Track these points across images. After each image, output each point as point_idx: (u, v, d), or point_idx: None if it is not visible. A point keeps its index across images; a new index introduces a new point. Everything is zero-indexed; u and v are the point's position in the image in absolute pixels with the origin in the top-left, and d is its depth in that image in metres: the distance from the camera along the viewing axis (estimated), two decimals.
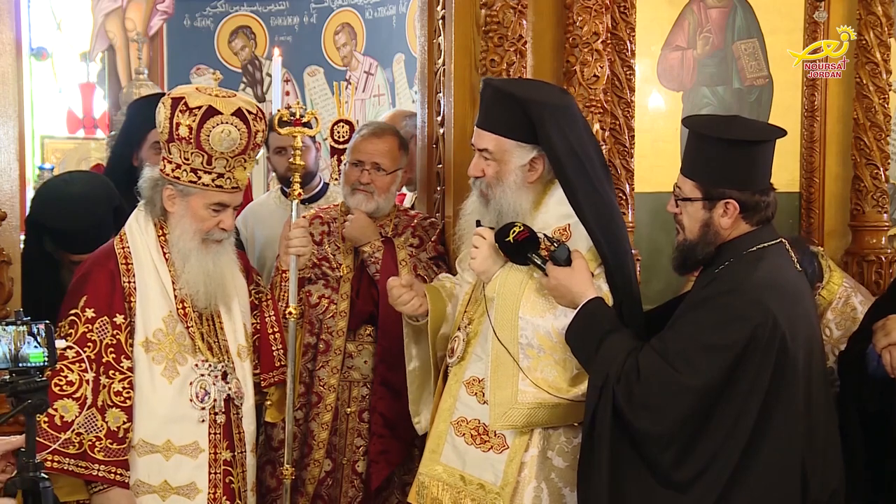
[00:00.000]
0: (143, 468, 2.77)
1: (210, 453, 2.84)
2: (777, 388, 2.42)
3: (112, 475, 2.69)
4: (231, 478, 2.89)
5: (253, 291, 3.10)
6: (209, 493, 2.83)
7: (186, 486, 2.81)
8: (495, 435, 2.75)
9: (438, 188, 3.75)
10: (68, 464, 2.64)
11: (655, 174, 3.63)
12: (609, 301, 2.70)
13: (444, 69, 3.63)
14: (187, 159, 2.76)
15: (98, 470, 2.67)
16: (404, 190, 4.40)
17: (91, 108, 9.16)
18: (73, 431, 2.64)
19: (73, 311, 2.73)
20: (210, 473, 2.84)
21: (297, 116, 3.15)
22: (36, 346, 2.10)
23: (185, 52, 8.97)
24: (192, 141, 2.72)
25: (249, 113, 2.77)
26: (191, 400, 2.80)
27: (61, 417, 2.64)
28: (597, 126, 3.48)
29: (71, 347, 2.67)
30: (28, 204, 3.71)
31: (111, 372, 2.72)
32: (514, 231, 2.67)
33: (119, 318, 2.75)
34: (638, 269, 3.45)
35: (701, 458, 2.45)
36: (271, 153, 4.38)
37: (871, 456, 2.88)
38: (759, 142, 2.59)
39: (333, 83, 8.51)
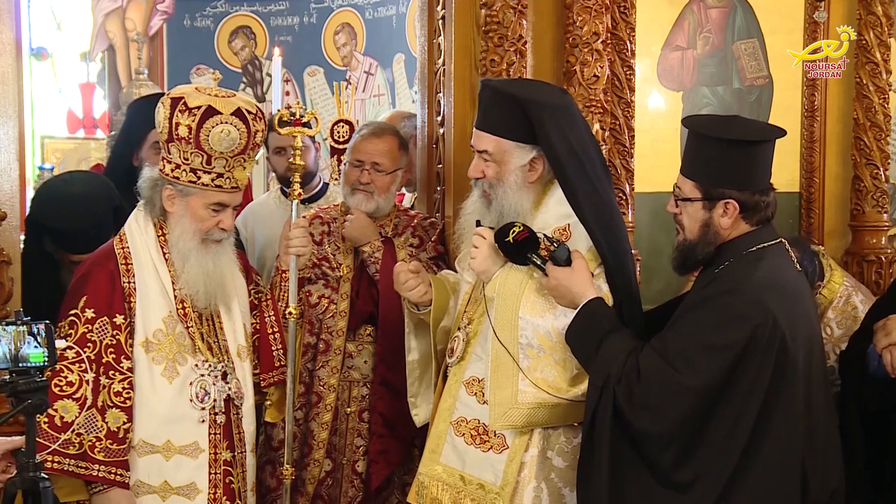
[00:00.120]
0: (143, 468, 2.77)
1: (210, 453, 2.84)
2: (777, 388, 2.42)
3: (112, 475, 2.69)
4: (231, 478, 2.89)
5: (252, 291, 3.10)
6: (209, 493, 2.83)
7: (186, 487, 2.81)
8: (495, 435, 2.75)
9: (438, 188, 3.75)
10: (68, 464, 2.64)
11: (655, 174, 3.63)
12: (609, 301, 2.70)
13: (444, 69, 3.63)
14: (187, 159, 2.76)
15: (98, 470, 2.67)
16: (403, 190, 4.39)
17: (91, 108, 9.16)
18: (72, 432, 2.64)
19: (72, 312, 2.73)
20: (210, 473, 2.84)
21: (297, 116, 3.14)
22: (36, 346, 2.10)
23: (185, 52, 8.97)
24: (191, 141, 2.72)
25: (249, 113, 2.77)
26: (191, 400, 2.80)
27: (61, 418, 2.64)
28: (597, 126, 3.48)
29: (71, 348, 2.67)
30: (28, 204, 3.71)
31: (111, 372, 2.72)
32: (514, 231, 2.67)
33: (119, 319, 2.75)
34: (638, 269, 3.45)
35: (701, 458, 2.45)
36: (271, 153, 4.38)
37: (872, 456, 2.88)
38: (759, 142, 2.58)
39: (333, 83, 8.51)
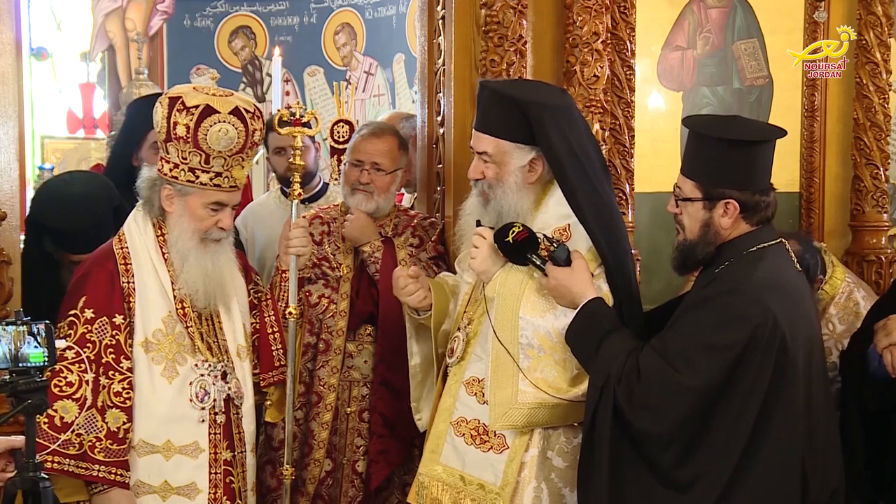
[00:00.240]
0: (143, 468, 2.77)
1: (210, 453, 2.84)
2: (777, 388, 2.42)
3: (112, 476, 2.69)
4: (231, 478, 2.89)
5: (252, 291, 3.10)
6: (209, 493, 2.83)
7: (187, 487, 2.81)
8: (495, 435, 2.74)
9: (438, 188, 3.75)
10: (68, 464, 2.64)
11: (655, 174, 3.63)
12: (609, 301, 2.70)
13: (444, 69, 3.63)
14: (185, 158, 2.76)
15: (98, 471, 2.67)
16: (402, 191, 4.39)
17: (91, 108, 9.17)
18: (72, 432, 2.64)
19: (72, 312, 2.73)
20: (210, 473, 2.84)
21: (297, 116, 3.14)
22: (36, 346, 2.10)
23: (185, 52, 8.97)
24: (189, 140, 2.72)
25: (247, 111, 2.76)
26: (190, 400, 2.80)
27: (61, 418, 2.64)
28: (597, 126, 3.48)
29: (70, 348, 2.67)
30: (28, 204, 3.71)
31: (111, 372, 2.72)
32: (514, 231, 2.67)
33: (118, 319, 2.75)
34: (638, 269, 3.45)
35: (701, 458, 2.45)
36: (271, 153, 4.38)
37: (872, 456, 2.88)
38: (759, 142, 2.58)
39: (333, 83, 8.52)
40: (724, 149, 2.54)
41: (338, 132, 4.62)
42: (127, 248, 2.83)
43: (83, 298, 2.74)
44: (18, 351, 2.09)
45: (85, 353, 2.69)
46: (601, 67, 3.49)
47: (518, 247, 2.67)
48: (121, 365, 2.73)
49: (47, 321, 2.14)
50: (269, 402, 3.18)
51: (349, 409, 3.60)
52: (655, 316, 2.79)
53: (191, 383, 2.81)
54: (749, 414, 2.41)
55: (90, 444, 2.67)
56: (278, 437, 3.57)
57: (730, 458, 2.42)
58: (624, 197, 3.56)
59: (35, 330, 2.10)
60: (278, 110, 3.24)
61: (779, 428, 2.43)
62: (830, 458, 2.54)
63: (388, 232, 3.63)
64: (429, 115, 3.78)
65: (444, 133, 3.66)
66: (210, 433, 2.84)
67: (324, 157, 5.48)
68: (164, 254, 2.84)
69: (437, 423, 2.86)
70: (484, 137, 2.78)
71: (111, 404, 2.71)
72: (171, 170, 2.79)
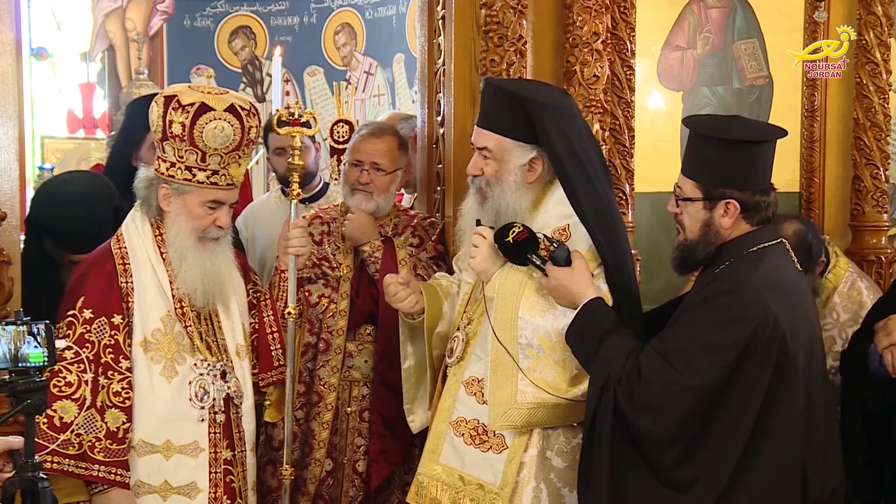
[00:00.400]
0: (143, 468, 2.77)
1: (210, 452, 2.84)
2: (777, 388, 2.42)
3: (112, 476, 2.68)
4: (231, 477, 2.89)
5: (251, 291, 3.10)
6: (210, 492, 2.83)
7: (187, 486, 2.81)
8: (494, 435, 2.75)
9: (438, 188, 3.75)
10: (68, 464, 2.64)
11: (655, 174, 3.63)
12: (609, 301, 2.70)
13: (444, 69, 3.63)
14: (181, 157, 2.76)
15: (98, 471, 2.67)
16: (402, 191, 4.40)
17: (91, 108, 9.16)
18: (72, 432, 2.64)
19: (70, 312, 2.73)
20: (210, 473, 2.84)
21: (296, 116, 3.14)
22: (36, 346, 2.10)
23: (185, 52, 8.97)
24: (185, 138, 2.72)
25: (242, 109, 2.76)
26: (190, 399, 2.80)
27: (60, 418, 2.64)
28: (597, 126, 3.48)
29: (69, 348, 2.66)
30: (28, 204, 3.71)
31: (110, 372, 2.72)
32: (514, 231, 2.67)
33: (117, 319, 2.75)
34: (638, 269, 3.45)
35: (701, 458, 2.45)
36: (271, 154, 4.39)
37: (872, 456, 2.88)
38: (760, 142, 2.58)
39: (333, 83, 8.51)
40: (725, 149, 2.54)
41: (338, 132, 4.62)
42: (125, 247, 2.83)
43: (82, 298, 2.74)
44: (18, 351, 2.09)
45: (84, 353, 2.69)
46: (601, 67, 3.49)
47: (518, 247, 2.67)
48: (120, 365, 2.73)
49: (47, 321, 2.14)
50: (268, 402, 3.18)
51: (349, 409, 3.61)
52: (655, 316, 2.79)
53: (190, 383, 2.81)
54: (749, 414, 2.41)
55: (90, 444, 2.67)
56: (279, 437, 3.57)
57: (730, 458, 2.42)
58: (624, 197, 3.56)
59: (35, 330, 2.10)
60: (277, 110, 3.24)
61: (779, 428, 2.43)
62: (830, 458, 2.54)
63: (387, 232, 3.63)
64: (429, 115, 3.78)
65: (444, 133, 3.66)
66: (210, 432, 2.84)
67: (324, 157, 5.48)
68: (162, 253, 2.84)
69: (437, 422, 2.86)
70: (485, 133, 2.78)
71: (110, 404, 2.71)
72: (167, 169, 2.79)
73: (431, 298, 3.00)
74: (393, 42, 8.33)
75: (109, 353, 2.73)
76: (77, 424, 2.65)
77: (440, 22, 3.65)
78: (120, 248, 2.84)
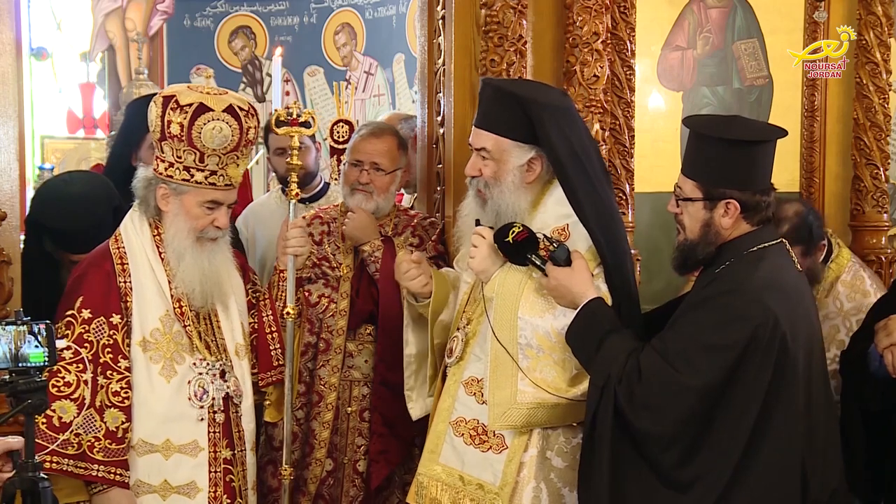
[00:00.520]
0: (142, 468, 2.77)
1: (210, 452, 2.84)
2: (777, 389, 2.42)
3: (112, 475, 2.69)
4: (231, 476, 2.89)
5: (250, 290, 3.10)
6: (209, 491, 2.83)
7: (187, 486, 2.81)
8: (494, 435, 2.74)
9: (438, 188, 3.75)
10: (67, 464, 2.64)
11: (655, 174, 3.63)
12: (609, 301, 2.70)
13: (444, 69, 3.63)
14: (180, 157, 2.76)
15: (97, 470, 2.67)
16: (402, 191, 4.40)
17: (91, 108, 9.17)
18: (71, 432, 2.64)
19: (69, 312, 2.73)
20: (210, 472, 2.84)
21: (294, 116, 3.14)
22: (37, 346, 2.09)
23: (185, 52, 8.97)
24: (183, 138, 2.72)
25: (241, 109, 2.76)
26: (189, 399, 2.80)
27: (59, 418, 2.64)
28: (597, 126, 3.48)
29: (68, 348, 2.66)
30: (28, 204, 3.71)
31: (109, 372, 2.72)
32: (514, 231, 2.67)
33: (115, 318, 2.75)
34: (638, 269, 3.45)
35: (701, 458, 2.44)
36: (272, 154, 4.39)
37: (872, 456, 2.88)
38: (760, 142, 2.58)
39: (333, 83, 8.51)
40: (725, 149, 2.53)
41: (338, 132, 4.62)
42: (123, 247, 2.84)
43: (80, 298, 2.74)
44: (19, 351, 2.09)
45: (83, 352, 2.69)
46: (601, 67, 3.49)
47: (518, 247, 2.67)
48: (119, 364, 2.73)
49: (48, 321, 2.14)
50: (268, 402, 3.18)
51: (350, 409, 3.61)
52: (655, 316, 2.79)
53: (189, 382, 2.81)
54: (749, 414, 2.41)
55: (89, 443, 2.67)
56: (279, 437, 3.57)
57: (730, 458, 2.42)
58: (624, 197, 3.56)
59: (36, 330, 2.10)
60: (276, 110, 3.25)
61: (779, 428, 2.43)
62: (830, 458, 2.54)
63: (387, 232, 3.63)
64: (429, 115, 3.78)
65: (444, 133, 3.66)
66: (209, 432, 2.84)
67: (324, 157, 5.48)
68: (160, 253, 2.84)
69: (437, 423, 2.86)
70: (484, 134, 2.78)
71: (109, 404, 2.71)
72: (166, 169, 2.79)
73: (440, 284, 3.00)
74: (393, 42, 8.33)
75: (108, 352, 2.73)
76: (76, 424, 2.65)
77: (440, 22, 3.65)
78: (118, 247, 2.84)
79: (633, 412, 2.46)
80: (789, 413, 2.44)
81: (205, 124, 2.71)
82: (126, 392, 2.73)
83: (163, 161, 2.79)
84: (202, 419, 2.82)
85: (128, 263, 2.82)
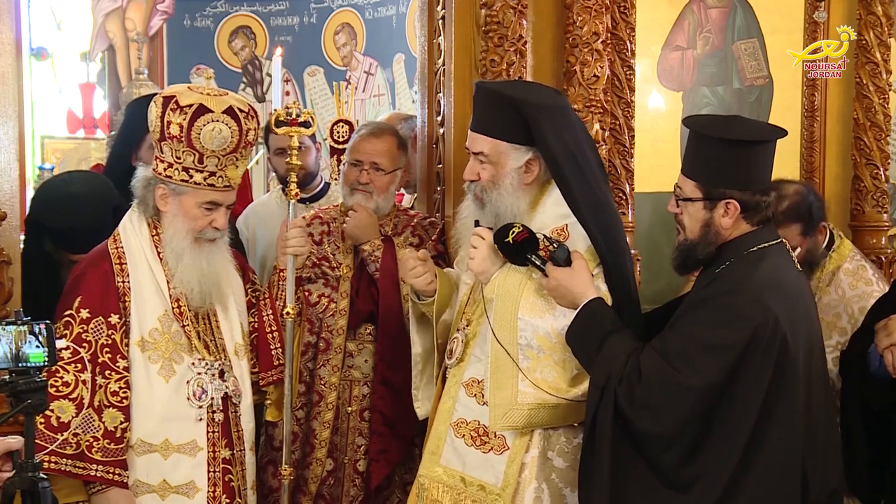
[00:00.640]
0: (141, 468, 2.77)
1: (209, 452, 2.84)
2: (777, 389, 2.42)
3: (110, 475, 2.69)
4: (230, 476, 2.89)
5: (249, 290, 3.10)
6: (208, 491, 2.84)
7: (185, 485, 2.81)
8: (495, 436, 2.74)
9: (438, 188, 3.75)
10: (66, 464, 2.64)
11: (655, 174, 3.63)
12: (609, 301, 2.69)
13: (444, 69, 3.63)
14: (179, 158, 2.76)
15: (96, 470, 2.67)
16: (402, 191, 4.40)
17: (91, 108, 9.16)
18: (70, 432, 2.64)
19: (67, 312, 2.74)
20: (209, 472, 2.84)
21: (294, 116, 3.14)
22: (37, 346, 2.09)
23: (185, 52, 8.97)
24: (183, 139, 2.72)
25: (241, 111, 2.76)
26: (188, 399, 2.81)
27: (58, 418, 2.64)
28: (597, 126, 3.48)
29: (67, 348, 2.66)
30: (28, 204, 3.71)
31: (107, 372, 2.72)
32: (514, 232, 2.66)
33: (114, 318, 2.75)
34: (638, 269, 3.44)
35: (702, 458, 2.44)
36: (272, 154, 4.38)
37: (872, 456, 2.88)
38: (760, 142, 2.58)
39: (333, 83, 8.51)
40: (725, 149, 2.53)
41: (338, 132, 4.62)
42: (122, 247, 2.84)
43: (79, 298, 2.74)
44: (19, 351, 2.09)
45: (81, 352, 2.69)
46: (601, 67, 3.49)
47: (518, 247, 2.67)
48: (117, 364, 2.73)
49: (48, 321, 2.14)
50: (268, 402, 3.18)
51: (350, 409, 3.61)
52: (655, 316, 2.79)
53: (188, 382, 2.81)
54: (750, 414, 2.41)
55: (87, 443, 2.67)
56: (279, 437, 3.57)
57: (730, 458, 2.42)
58: (624, 197, 3.56)
59: (36, 330, 2.10)
60: (275, 110, 3.25)
61: (779, 428, 2.43)
62: (830, 458, 2.54)
63: (387, 231, 3.64)
64: (429, 115, 3.78)
65: (444, 133, 3.66)
66: (208, 431, 2.84)
67: (324, 157, 5.48)
68: (159, 253, 2.84)
69: (437, 424, 2.86)
70: (480, 138, 2.77)
71: (108, 404, 2.71)
72: (165, 169, 2.79)
73: (444, 282, 2.99)
74: (393, 42, 8.33)
75: (107, 352, 2.73)
76: (75, 424, 2.65)
77: (440, 22, 3.65)
78: (117, 247, 2.84)
79: (634, 412, 2.46)
80: (789, 413, 2.44)
81: (204, 125, 2.71)
82: (125, 392, 2.73)
83: (162, 161, 2.79)
84: (201, 419, 2.82)
85: (126, 263, 2.82)
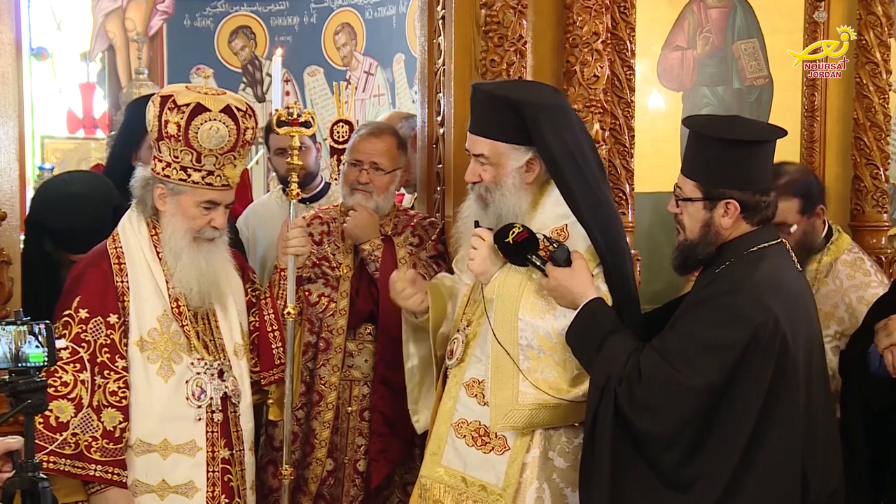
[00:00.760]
0: (140, 468, 2.77)
1: (208, 452, 2.84)
2: (777, 389, 2.42)
3: (109, 475, 2.68)
4: (230, 476, 2.89)
5: (249, 290, 3.10)
6: (208, 491, 2.83)
7: (185, 485, 2.81)
8: (496, 436, 2.74)
9: (438, 188, 3.75)
10: (64, 464, 2.64)
11: (655, 174, 3.63)
12: (609, 301, 2.69)
13: (444, 69, 3.63)
14: (177, 157, 2.76)
15: (95, 470, 2.67)
16: (402, 191, 4.40)
17: (91, 108, 9.17)
18: (69, 432, 2.64)
19: (66, 312, 2.74)
20: (208, 472, 2.84)
21: (295, 116, 3.15)
22: (37, 346, 2.09)
23: (185, 52, 8.97)
24: (180, 138, 2.73)
25: (238, 110, 2.76)
26: (187, 398, 2.81)
27: (56, 418, 2.64)
28: (597, 126, 3.47)
29: (65, 348, 2.66)
30: (28, 204, 3.71)
31: (106, 372, 2.72)
32: (514, 232, 2.66)
33: (113, 318, 2.75)
34: (638, 269, 3.44)
35: (702, 458, 2.44)
36: (272, 154, 4.39)
37: (872, 456, 2.88)
38: (760, 142, 2.58)
39: (333, 83, 8.51)
40: (725, 149, 2.53)
41: (338, 132, 4.62)
42: (121, 247, 2.84)
43: (77, 298, 2.74)
44: (19, 351, 2.09)
45: (80, 352, 2.69)
46: (601, 67, 3.48)
47: (518, 247, 2.67)
48: (116, 364, 2.73)
49: (48, 321, 2.14)
50: (270, 401, 3.18)
51: (350, 409, 3.61)
52: (655, 316, 2.79)
53: (187, 382, 2.81)
54: (750, 414, 2.41)
55: (86, 443, 2.66)
56: (279, 437, 3.57)
57: (730, 458, 2.42)
58: (624, 197, 3.56)
59: (36, 330, 2.10)
60: (276, 110, 3.25)
61: (779, 428, 2.43)
62: (830, 458, 2.54)
63: (387, 231, 3.64)
64: (429, 115, 3.78)
65: (444, 133, 3.66)
66: (207, 431, 2.84)
67: (324, 157, 5.48)
68: (158, 253, 2.84)
69: (438, 425, 2.86)
70: (479, 140, 2.77)
71: (107, 403, 2.71)
72: (163, 168, 2.79)
73: (436, 298, 3.00)
74: (393, 42, 8.33)
75: (105, 352, 2.73)
76: (74, 424, 2.65)
77: (440, 22, 3.65)
78: (116, 247, 2.84)
79: (634, 412, 2.46)
80: (789, 413, 2.44)
81: (202, 124, 2.71)
82: (123, 392, 2.73)
83: (160, 161, 2.79)
84: (200, 419, 2.82)
85: (125, 263, 2.82)
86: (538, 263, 2.66)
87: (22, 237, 3.32)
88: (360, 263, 3.61)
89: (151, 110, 2.77)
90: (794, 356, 2.43)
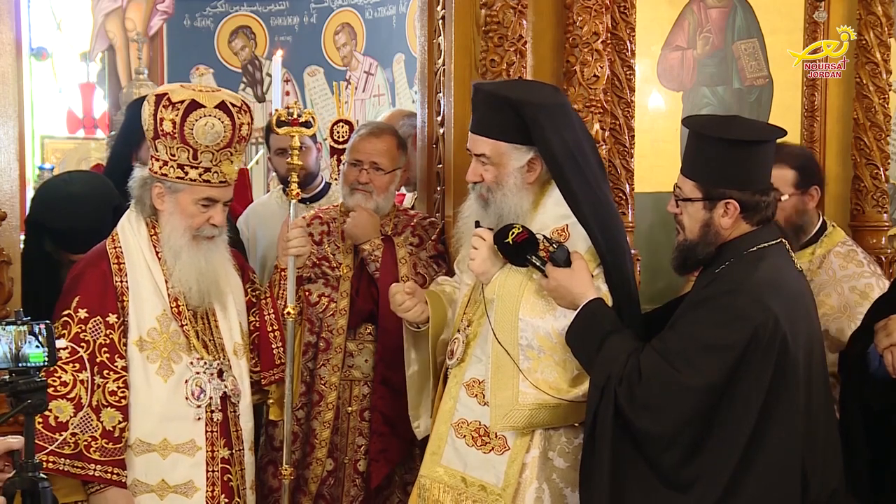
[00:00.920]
0: (140, 467, 2.77)
1: (207, 451, 2.84)
2: (777, 389, 2.42)
3: (108, 475, 2.69)
4: (229, 476, 2.89)
5: (249, 290, 3.10)
6: (207, 491, 2.84)
7: (184, 485, 2.81)
8: (496, 436, 2.74)
9: (438, 188, 3.75)
10: (64, 464, 2.64)
11: (655, 174, 3.63)
12: (609, 301, 2.69)
13: (444, 69, 3.63)
14: (173, 155, 2.76)
15: (94, 470, 2.67)
16: (403, 190, 4.40)
17: (91, 108, 9.18)
18: (68, 432, 2.64)
19: (65, 312, 2.74)
20: (208, 471, 2.84)
21: (295, 116, 3.15)
22: (37, 346, 2.09)
23: (185, 52, 8.98)
24: (176, 135, 2.73)
25: (233, 106, 2.77)
26: (186, 398, 2.81)
27: (56, 418, 2.64)
28: (597, 126, 3.47)
29: (65, 348, 2.66)
30: (28, 204, 3.71)
31: (105, 371, 2.72)
32: (514, 232, 2.67)
33: (112, 318, 2.75)
34: (638, 269, 3.44)
35: (702, 458, 2.44)
36: (273, 154, 4.39)
37: (872, 456, 2.88)
38: (759, 142, 2.58)
39: (333, 83, 8.52)
40: (724, 149, 2.53)
41: (338, 132, 4.62)
42: (120, 247, 2.84)
43: (77, 298, 2.75)
44: (19, 351, 2.09)
45: (80, 352, 2.69)
46: (601, 67, 3.48)
47: (518, 248, 2.67)
48: (115, 364, 2.73)
49: (48, 321, 2.14)
50: (271, 401, 3.19)
51: (350, 409, 3.61)
52: (655, 316, 2.79)
53: (186, 381, 2.81)
54: (750, 414, 2.41)
55: (86, 443, 2.67)
56: (279, 437, 3.57)
57: (730, 458, 2.42)
58: (624, 197, 3.56)
59: (36, 330, 2.10)
60: (276, 110, 3.25)
61: (779, 428, 2.42)
62: (830, 458, 2.54)
63: (387, 231, 3.64)
64: (429, 115, 3.78)
65: (444, 133, 3.66)
66: (207, 431, 2.84)
67: (324, 157, 5.48)
68: (157, 252, 2.84)
69: (438, 424, 2.86)
70: (481, 140, 2.77)
71: (106, 403, 2.71)
72: (160, 167, 2.79)
73: (436, 307, 3.00)
74: (393, 42, 8.33)
75: (105, 352, 2.73)
76: (73, 424, 2.65)
77: (440, 22, 3.65)
78: (115, 247, 2.84)
79: (634, 412, 2.46)
80: (789, 413, 2.44)
81: (196, 121, 2.72)
82: (123, 391, 2.73)
83: (157, 160, 2.80)
84: (199, 418, 2.82)
85: (124, 263, 2.82)
86: (538, 264, 2.66)
87: (22, 237, 3.32)
88: (360, 263, 3.61)
89: (147, 109, 2.78)
90: (794, 356, 2.43)
